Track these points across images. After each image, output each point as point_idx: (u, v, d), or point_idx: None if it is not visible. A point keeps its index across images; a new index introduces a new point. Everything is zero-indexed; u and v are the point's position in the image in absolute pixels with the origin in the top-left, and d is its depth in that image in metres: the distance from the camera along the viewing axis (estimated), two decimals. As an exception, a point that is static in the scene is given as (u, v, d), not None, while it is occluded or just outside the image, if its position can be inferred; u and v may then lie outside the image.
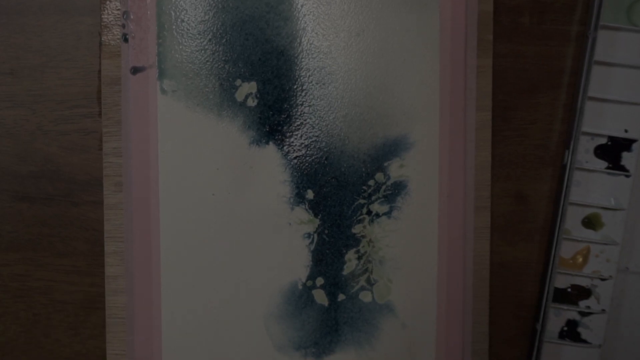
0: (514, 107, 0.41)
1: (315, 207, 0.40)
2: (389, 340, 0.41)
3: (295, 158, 0.40)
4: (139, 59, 0.39)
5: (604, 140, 0.41)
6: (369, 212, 0.40)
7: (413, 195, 0.40)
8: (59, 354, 0.42)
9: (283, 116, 0.40)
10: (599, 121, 0.40)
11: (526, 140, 0.42)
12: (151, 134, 0.39)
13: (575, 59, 0.41)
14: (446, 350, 0.41)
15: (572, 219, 0.41)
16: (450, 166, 0.40)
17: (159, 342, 0.40)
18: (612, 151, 0.40)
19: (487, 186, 0.40)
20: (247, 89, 0.39)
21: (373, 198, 0.40)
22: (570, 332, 0.41)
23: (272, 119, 0.39)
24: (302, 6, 0.39)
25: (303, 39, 0.39)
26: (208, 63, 0.39)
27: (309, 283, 0.40)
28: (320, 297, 0.40)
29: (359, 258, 0.40)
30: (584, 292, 0.41)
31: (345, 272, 0.40)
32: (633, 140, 0.40)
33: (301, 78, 0.39)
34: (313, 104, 0.39)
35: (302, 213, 0.40)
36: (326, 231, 0.40)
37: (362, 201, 0.40)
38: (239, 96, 0.39)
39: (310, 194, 0.40)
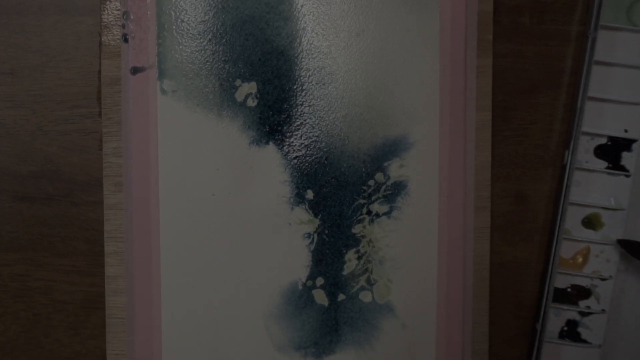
0: (514, 107, 0.41)
1: (315, 207, 0.40)
2: (389, 340, 0.41)
3: (295, 158, 0.40)
4: (139, 59, 0.39)
5: (603, 140, 0.41)
6: (369, 212, 0.40)
7: (413, 195, 0.40)
8: (59, 354, 0.42)
9: (283, 116, 0.39)
10: (598, 121, 0.40)
11: (526, 140, 0.42)
12: (151, 134, 0.39)
13: (575, 59, 0.41)
14: (446, 350, 0.41)
15: (572, 219, 0.41)
16: (450, 166, 0.40)
17: (159, 343, 0.40)
18: (612, 151, 0.40)
19: (487, 186, 0.40)
20: (247, 89, 0.39)
21: (373, 198, 0.40)
22: (570, 332, 0.41)
23: (272, 119, 0.39)
24: (302, 6, 0.39)
25: (303, 39, 0.39)
26: (208, 63, 0.39)
27: (309, 283, 0.40)
28: (320, 297, 0.40)
29: (359, 258, 0.40)
30: (583, 292, 0.41)
31: (345, 272, 0.40)
32: (633, 140, 0.40)
33: (301, 78, 0.39)
34: (313, 104, 0.39)
35: (302, 213, 0.40)
36: (326, 231, 0.40)
37: (362, 201, 0.40)
38: (239, 96, 0.39)
39: (310, 194, 0.40)
